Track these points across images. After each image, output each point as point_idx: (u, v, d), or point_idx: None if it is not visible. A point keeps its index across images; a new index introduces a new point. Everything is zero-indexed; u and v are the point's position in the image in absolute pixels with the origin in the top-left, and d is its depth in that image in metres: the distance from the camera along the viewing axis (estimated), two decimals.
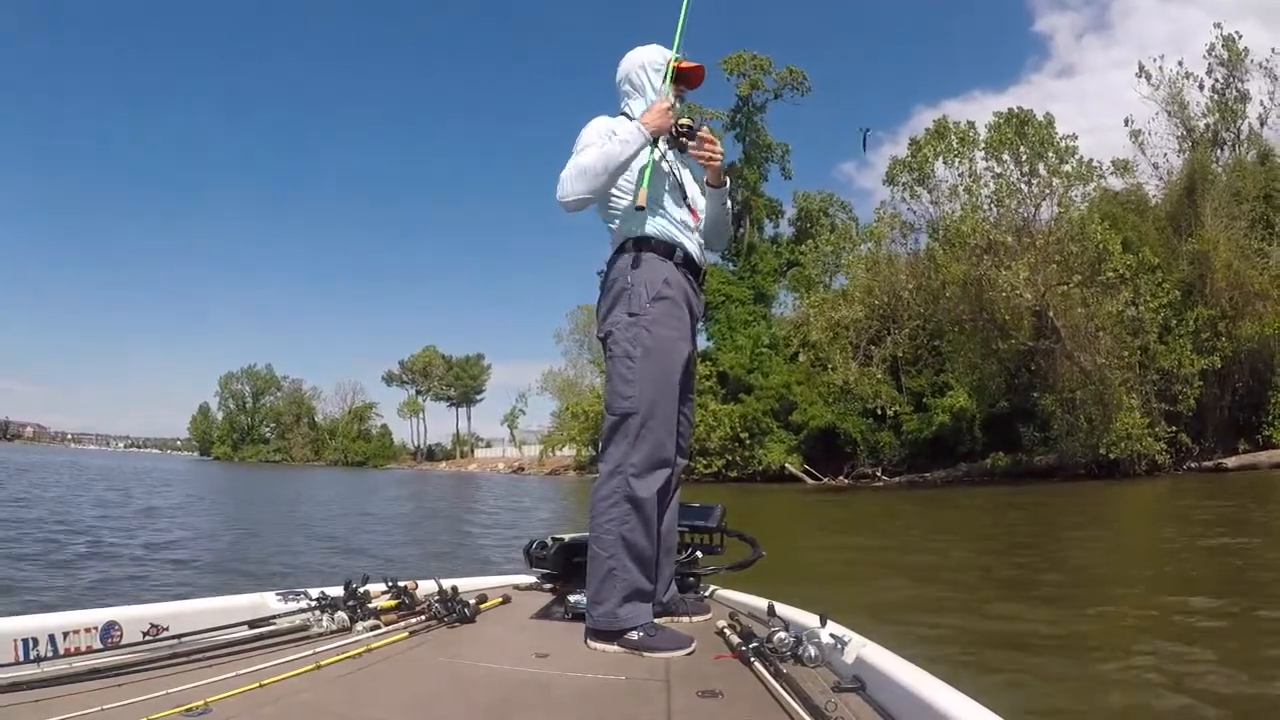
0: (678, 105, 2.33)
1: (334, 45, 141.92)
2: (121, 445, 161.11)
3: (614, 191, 2.35)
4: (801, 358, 28.18)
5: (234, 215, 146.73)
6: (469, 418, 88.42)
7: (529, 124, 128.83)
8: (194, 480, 29.49)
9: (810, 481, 29.40)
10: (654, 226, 2.31)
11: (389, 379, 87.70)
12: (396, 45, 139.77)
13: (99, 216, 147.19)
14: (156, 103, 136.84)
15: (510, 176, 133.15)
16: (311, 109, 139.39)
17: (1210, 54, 25.53)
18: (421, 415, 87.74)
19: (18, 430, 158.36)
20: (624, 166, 2.26)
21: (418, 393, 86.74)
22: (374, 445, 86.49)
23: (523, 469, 59.43)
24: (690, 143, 2.33)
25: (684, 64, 2.44)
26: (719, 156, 2.41)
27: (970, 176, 22.21)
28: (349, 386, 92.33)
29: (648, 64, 2.42)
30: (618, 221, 2.36)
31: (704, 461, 32.84)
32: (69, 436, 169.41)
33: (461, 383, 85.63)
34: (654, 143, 2.28)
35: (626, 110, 2.43)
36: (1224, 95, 25.70)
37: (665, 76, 2.38)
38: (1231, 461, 20.21)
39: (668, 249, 2.30)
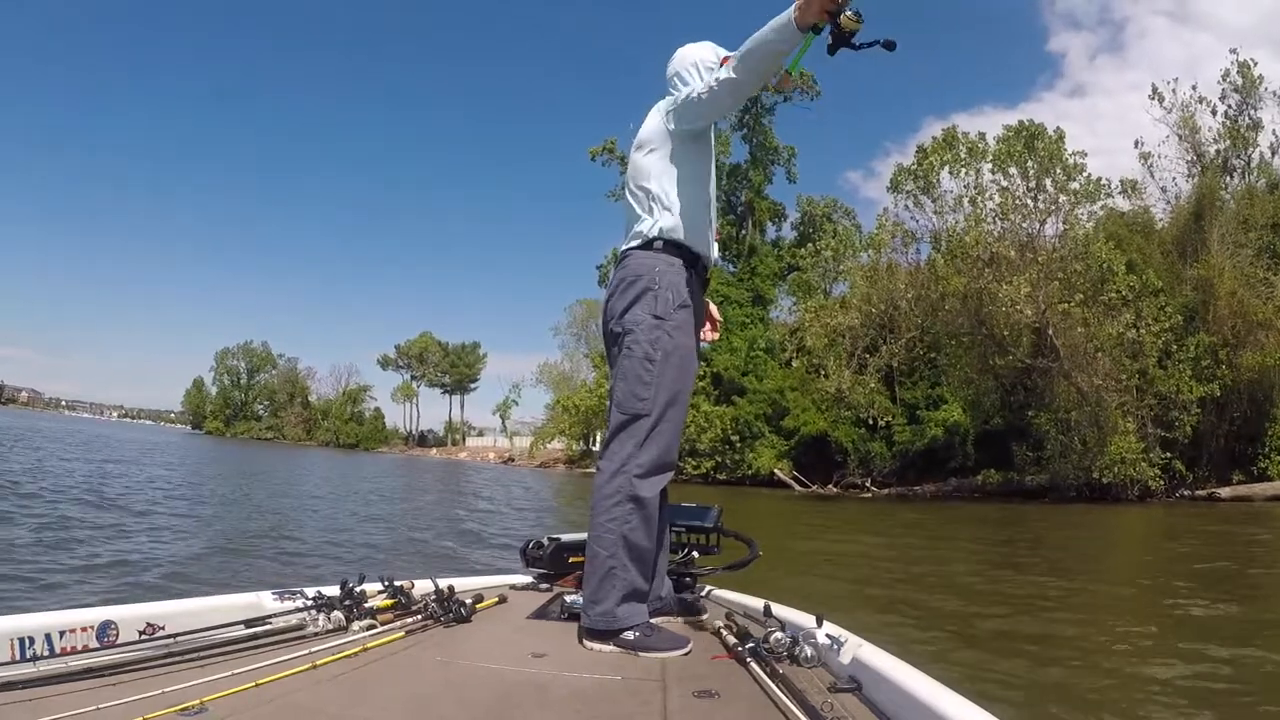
0: None
1: (339, 32, 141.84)
2: (115, 414, 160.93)
3: (653, 186, 2.28)
4: (795, 363, 27.88)
5: (237, 192, 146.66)
6: (462, 405, 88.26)
7: (533, 117, 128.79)
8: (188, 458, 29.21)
9: (798, 488, 29.11)
10: (689, 234, 2.27)
11: (384, 363, 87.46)
12: (400, 33, 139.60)
13: (102, 188, 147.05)
14: (160, 79, 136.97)
15: (511, 166, 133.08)
16: (316, 94, 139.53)
17: (1225, 80, 25.28)
18: (415, 401, 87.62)
19: (12, 395, 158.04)
20: (771, 55, 2.03)
21: (412, 378, 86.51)
22: (366, 428, 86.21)
23: (513, 459, 59.17)
24: (842, 39, 1.95)
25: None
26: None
27: (976, 188, 21.90)
28: (344, 368, 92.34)
29: (700, 62, 2.35)
30: (652, 217, 2.27)
31: (693, 463, 32.57)
32: (63, 403, 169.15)
33: (457, 370, 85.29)
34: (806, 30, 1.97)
35: None
36: (1236, 122, 25.44)
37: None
38: (1225, 492, 19.96)
39: (693, 258, 2.29)
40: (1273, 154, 25.41)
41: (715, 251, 2.43)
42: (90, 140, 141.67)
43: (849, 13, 1.92)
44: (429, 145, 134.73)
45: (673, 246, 2.26)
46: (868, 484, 27.83)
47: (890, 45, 2.00)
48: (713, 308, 2.56)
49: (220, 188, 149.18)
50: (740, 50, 2.07)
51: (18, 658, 1.61)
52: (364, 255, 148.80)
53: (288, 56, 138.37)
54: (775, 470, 30.86)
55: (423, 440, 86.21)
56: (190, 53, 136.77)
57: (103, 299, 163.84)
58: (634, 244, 2.29)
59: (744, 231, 41.74)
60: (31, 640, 1.65)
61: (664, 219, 2.26)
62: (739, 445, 32.96)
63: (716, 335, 2.59)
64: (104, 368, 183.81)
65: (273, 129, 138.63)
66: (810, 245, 27.81)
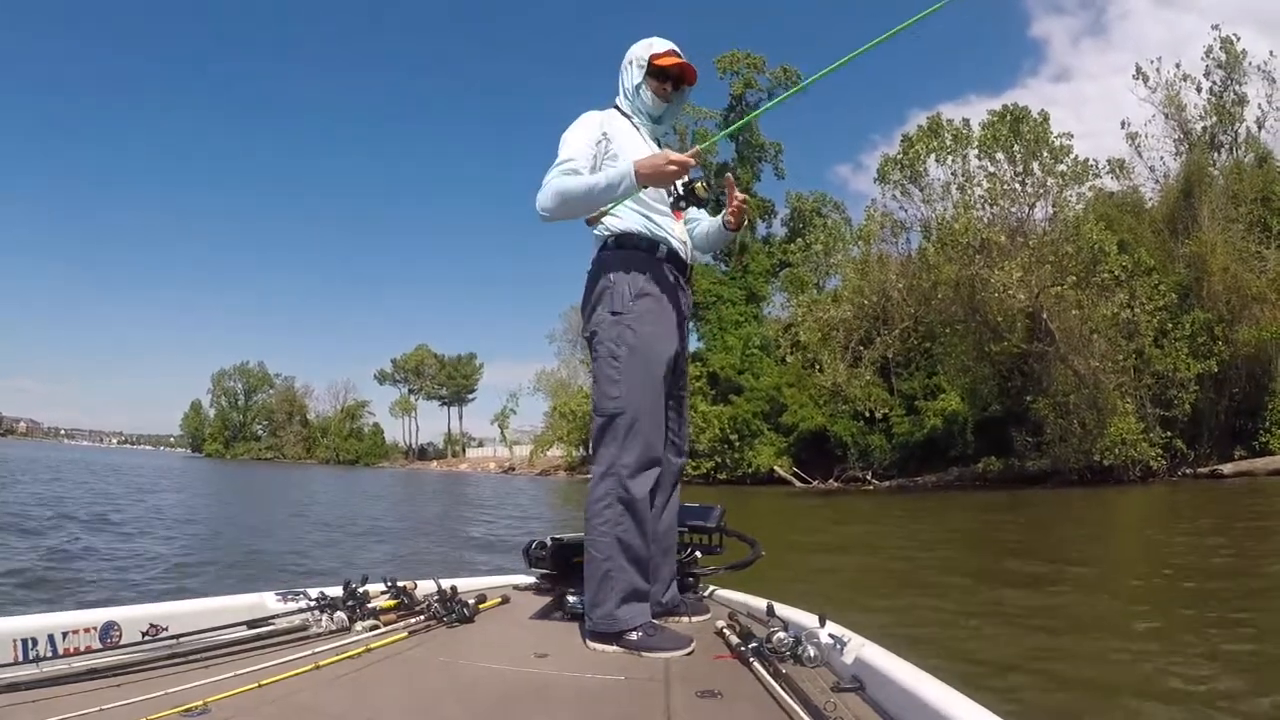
0: (688, 162, 2.11)
1: (329, 45, 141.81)
2: (114, 441, 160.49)
3: None
4: (791, 359, 27.73)
5: (229, 213, 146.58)
6: (461, 417, 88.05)
7: (523, 124, 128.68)
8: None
9: (799, 485, 28.96)
10: (637, 223, 2.27)
11: (381, 377, 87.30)
12: (391, 45, 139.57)
13: (93, 213, 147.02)
14: (153, 101, 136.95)
15: (504, 176, 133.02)
16: (307, 109, 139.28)
17: (1208, 56, 25.19)
18: (413, 414, 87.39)
19: (10, 425, 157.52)
20: (597, 203, 2.19)
21: (410, 391, 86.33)
22: (366, 444, 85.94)
23: (513, 469, 58.99)
24: (695, 201, 2.27)
25: (664, 60, 2.33)
26: (744, 210, 2.43)
27: (963, 175, 21.79)
28: (341, 384, 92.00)
29: (634, 59, 2.35)
30: (602, 220, 2.30)
31: (693, 463, 32.39)
32: (62, 432, 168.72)
33: (454, 382, 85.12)
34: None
35: (617, 103, 2.39)
36: (1222, 98, 25.33)
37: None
38: (1227, 468, 19.79)
39: (651, 245, 2.28)
40: (1259, 128, 25.34)
41: (680, 232, 2.38)
42: (81, 165, 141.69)
43: (701, 183, 2.24)
44: (415, 154, 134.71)
45: (625, 240, 2.27)
46: (868, 477, 27.68)
47: (719, 198, 2.37)
48: (736, 194, 2.41)
49: (208, 208, 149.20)
50: (564, 184, 2.15)
51: (20, 659, 1.61)
52: (356, 271, 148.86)
53: (277, 71, 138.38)
54: (775, 467, 30.72)
55: (423, 454, 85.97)
56: (182, 71, 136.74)
57: (96, 325, 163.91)
58: (595, 249, 2.33)
59: None
60: (34, 641, 1.64)
61: (610, 220, 2.28)
62: (738, 444, 32.84)
63: (741, 200, 2.41)
64: (101, 394, 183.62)
65: (262, 145, 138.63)
66: (800, 240, 27.68)
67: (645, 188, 2.16)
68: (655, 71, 2.34)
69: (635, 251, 2.26)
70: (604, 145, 2.25)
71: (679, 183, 2.20)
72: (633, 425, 2.15)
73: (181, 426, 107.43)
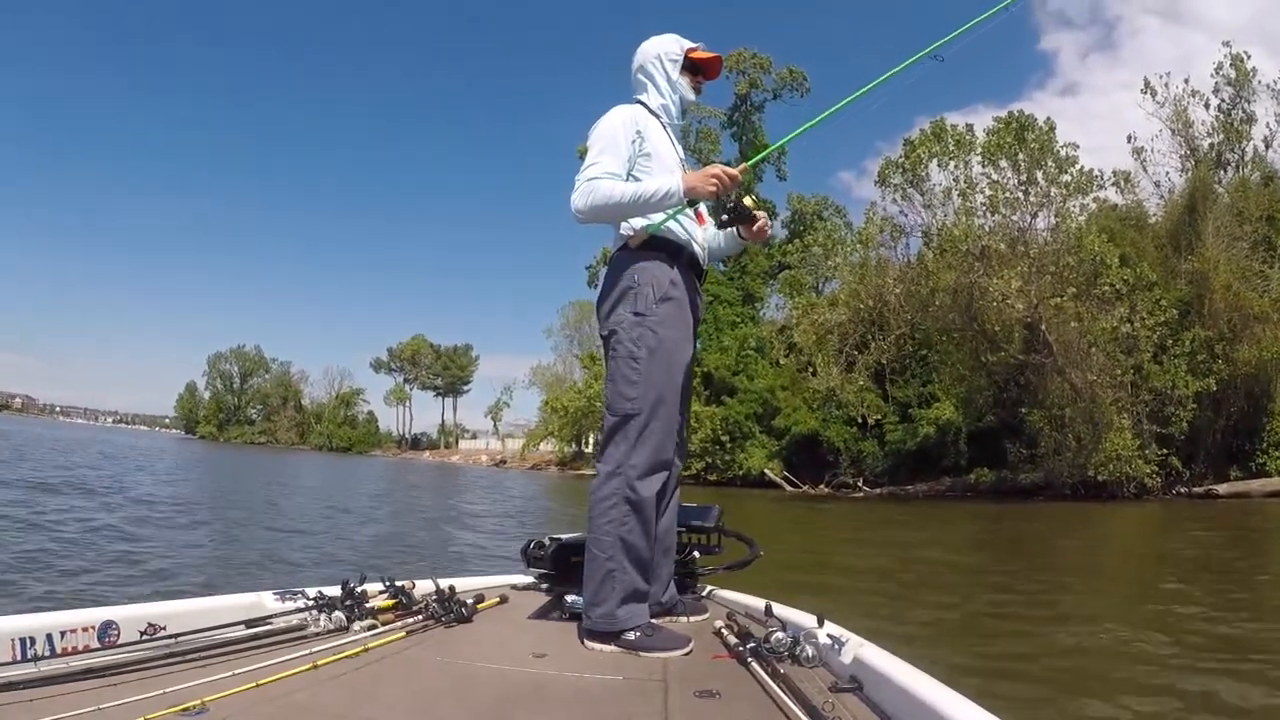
0: (736, 177, 2.18)
1: (331, 36, 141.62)
2: (110, 420, 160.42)
3: None
4: (784, 361, 27.41)
5: (230, 196, 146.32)
6: (455, 408, 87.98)
7: (525, 118, 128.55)
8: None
9: (789, 489, 28.70)
10: (663, 228, 2.27)
11: (377, 366, 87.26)
12: (393, 36, 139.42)
13: (96, 194, 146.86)
14: (155, 85, 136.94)
15: (507, 170, 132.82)
16: (309, 98, 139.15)
17: (1218, 73, 24.89)
18: (408, 404, 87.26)
19: (6, 400, 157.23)
20: (639, 213, 2.22)
21: (405, 381, 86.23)
22: (360, 432, 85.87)
23: (504, 462, 58.77)
24: (744, 217, 2.30)
25: (700, 54, 2.41)
26: (766, 236, 2.45)
27: (965, 181, 21.48)
28: (337, 371, 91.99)
29: (663, 55, 2.38)
30: (627, 220, 2.29)
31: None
32: (57, 409, 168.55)
33: (449, 373, 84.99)
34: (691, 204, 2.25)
35: (642, 99, 2.38)
36: (1230, 116, 25.03)
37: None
38: (1223, 488, 19.53)
39: (675, 249, 2.28)
40: (1266, 147, 25.03)
41: (702, 236, 2.39)
42: (81, 144, 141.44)
43: (752, 197, 2.29)
44: (419, 145, 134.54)
45: (651, 241, 2.25)
46: (859, 484, 27.43)
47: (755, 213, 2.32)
48: (762, 217, 2.39)
49: (212, 191, 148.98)
50: (610, 190, 2.15)
51: (19, 658, 1.61)
52: (356, 257, 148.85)
53: (279, 59, 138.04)
54: (766, 470, 30.46)
55: (415, 443, 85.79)
56: (184, 55, 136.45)
57: (97, 303, 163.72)
58: (617, 247, 2.32)
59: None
60: (32, 640, 1.64)
61: (636, 220, 2.25)
62: (729, 445, 32.54)
63: (765, 221, 2.40)
64: (99, 373, 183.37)
65: (264, 132, 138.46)
66: (798, 241, 27.40)
67: (694, 204, 2.23)
68: (690, 65, 2.40)
69: (660, 254, 2.24)
70: (638, 144, 2.24)
71: (728, 199, 2.24)
72: (646, 427, 2.15)
73: (176, 408, 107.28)
